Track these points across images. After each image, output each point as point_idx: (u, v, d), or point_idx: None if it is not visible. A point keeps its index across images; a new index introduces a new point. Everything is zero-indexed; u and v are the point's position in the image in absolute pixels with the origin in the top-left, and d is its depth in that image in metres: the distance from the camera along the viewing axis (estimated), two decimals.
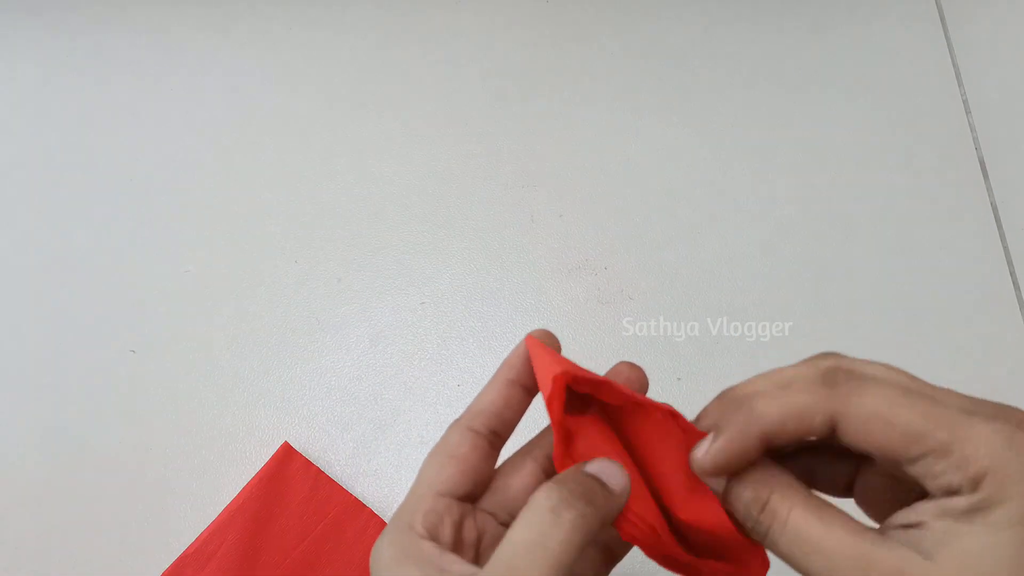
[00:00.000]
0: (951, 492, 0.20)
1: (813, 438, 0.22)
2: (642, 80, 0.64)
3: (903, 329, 0.55)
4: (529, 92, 0.63)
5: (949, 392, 0.21)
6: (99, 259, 0.58)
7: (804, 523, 0.21)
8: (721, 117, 0.62)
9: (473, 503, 0.26)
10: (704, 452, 0.23)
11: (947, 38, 0.65)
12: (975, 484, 0.20)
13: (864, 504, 0.26)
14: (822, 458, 0.26)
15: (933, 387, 0.22)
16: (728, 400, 0.23)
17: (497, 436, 0.26)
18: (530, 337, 0.26)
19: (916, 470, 0.21)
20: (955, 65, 0.64)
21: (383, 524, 0.49)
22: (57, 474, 0.51)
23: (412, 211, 0.59)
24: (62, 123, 0.62)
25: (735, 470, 0.23)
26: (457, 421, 0.26)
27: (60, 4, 0.66)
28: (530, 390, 0.27)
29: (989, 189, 0.60)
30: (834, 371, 0.22)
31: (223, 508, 0.49)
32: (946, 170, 0.60)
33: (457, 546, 0.24)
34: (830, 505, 0.22)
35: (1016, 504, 0.19)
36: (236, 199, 0.60)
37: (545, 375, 0.24)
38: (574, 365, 0.24)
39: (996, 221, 0.59)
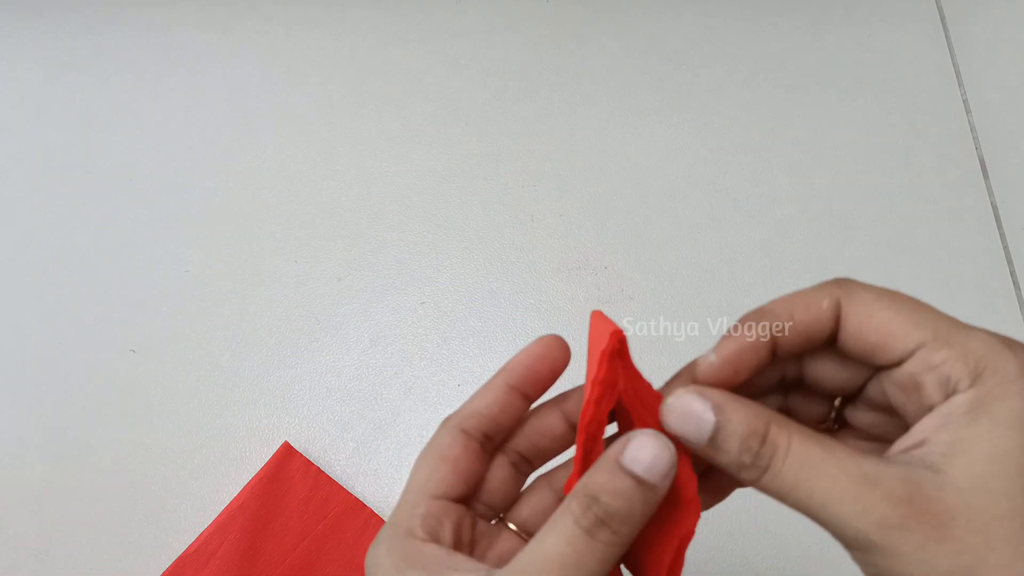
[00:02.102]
0: (950, 388, 0.20)
1: (820, 336, 0.23)
2: (642, 80, 0.64)
3: None
4: (529, 92, 0.63)
5: None
6: (99, 259, 0.58)
7: (805, 449, 0.20)
8: (721, 117, 0.62)
9: (466, 505, 0.25)
10: (714, 354, 0.23)
11: (947, 38, 0.65)
12: (975, 377, 0.20)
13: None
14: (796, 396, 0.26)
15: None
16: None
17: (489, 440, 0.25)
18: (595, 312, 0.26)
19: (913, 365, 0.21)
20: (955, 65, 0.64)
21: (383, 524, 0.49)
22: (57, 474, 0.51)
23: (412, 211, 0.59)
24: (62, 123, 0.62)
25: (736, 374, 0.23)
26: (448, 420, 0.25)
27: (60, 4, 0.66)
28: (529, 398, 0.26)
29: (989, 189, 0.60)
30: (841, 277, 0.23)
31: (223, 508, 0.49)
32: (946, 170, 0.60)
33: (457, 548, 0.24)
34: (823, 435, 0.21)
35: (1017, 400, 0.19)
36: (236, 199, 0.60)
37: (603, 335, 0.23)
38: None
39: (996, 221, 0.59)
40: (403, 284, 0.57)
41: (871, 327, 0.22)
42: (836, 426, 0.26)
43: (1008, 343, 0.20)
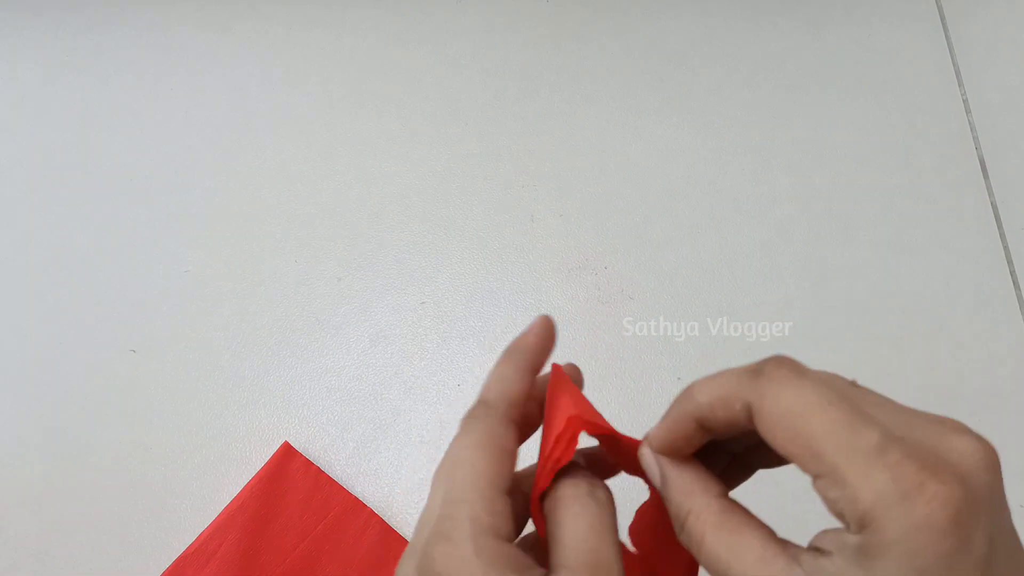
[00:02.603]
0: (844, 521, 0.19)
1: (746, 428, 0.22)
2: (642, 80, 0.64)
3: (903, 329, 0.55)
4: (529, 92, 0.63)
5: (893, 410, 0.20)
6: (99, 259, 0.58)
7: (714, 548, 0.21)
8: (721, 117, 0.62)
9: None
10: (652, 433, 0.24)
11: (947, 38, 0.65)
12: (861, 525, 0.19)
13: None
14: (776, 455, 0.26)
15: (875, 399, 0.20)
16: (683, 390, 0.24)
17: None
18: (556, 367, 0.26)
19: (816, 487, 0.20)
20: (955, 65, 0.64)
21: (383, 524, 0.49)
22: (57, 474, 0.51)
23: (412, 211, 0.59)
24: (62, 123, 0.62)
25: (679, 450, 0.23)
26: (490, 408, 0.24)
27: (60, 4, 0.66)
28: (535, 378, 0.27)
29: (989, 189, 0.60)
30: (767, 362, 0.21)
31: (223, 508, 0.49)
32: (946, 170, 0.60)
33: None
34: (748, 522, 0.21)
35: (895, 563, 0.18)
36: (236, 199, 0.60)
37: (561, 412, 0.23)
38: (591, 410, 0.24)
39: (996, 221, 0.59)
40: (403, 284, 0.57)
41: (775, 442, 0.21)
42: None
43: (909, 489, 0.18)
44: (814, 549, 0.20)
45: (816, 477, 0.20)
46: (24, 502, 0.51)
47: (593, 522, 0.22)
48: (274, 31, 0.66)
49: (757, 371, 0.21)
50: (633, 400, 0.53)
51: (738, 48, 0.65)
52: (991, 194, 0.60)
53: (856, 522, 0.19)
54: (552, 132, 0.62)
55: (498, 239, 0.58)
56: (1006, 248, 0.58)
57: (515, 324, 0.56)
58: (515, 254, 0.58)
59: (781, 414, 0.20)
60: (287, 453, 0.51)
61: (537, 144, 0.61)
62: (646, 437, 0.24)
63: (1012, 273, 0.57)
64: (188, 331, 0.55)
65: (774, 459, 0.25)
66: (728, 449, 0.26)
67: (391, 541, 0.49)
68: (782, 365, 0.21)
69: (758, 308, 0.56)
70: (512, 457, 0.23)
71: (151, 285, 0.57)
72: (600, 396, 0.53)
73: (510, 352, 0.26)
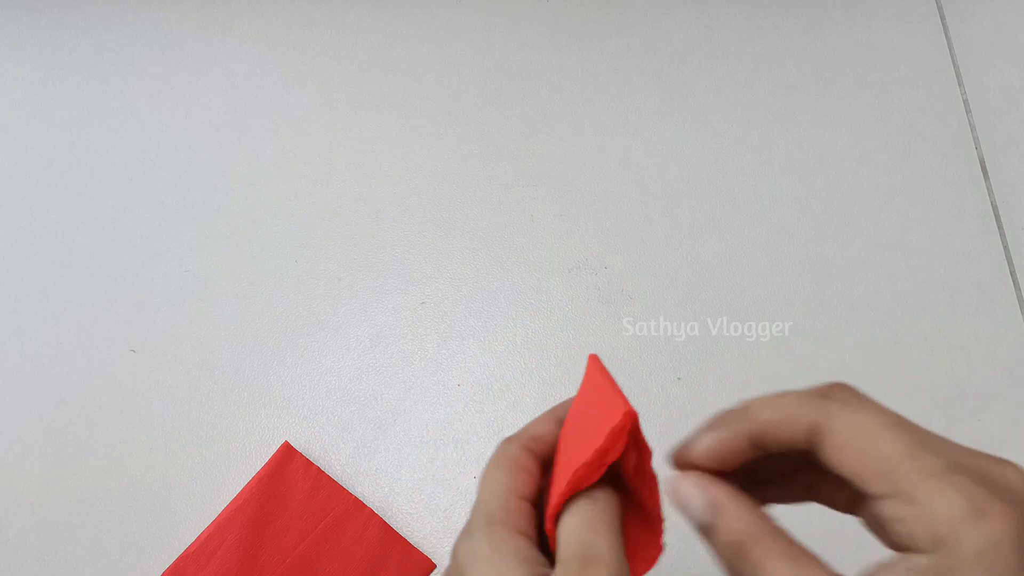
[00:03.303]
0: (911, 544, 0.19)
1: (802, 448, 0.22)
2: (642, 80, 0.64)
3: (903, 329, 0.55)
4: (529, 92, 0.63)
5: (949, 442, 0.21)
6: (99, 259, 0.58)
7: None
8: (721, 117, 0.62)
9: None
10: (697, 444, 0.23)
11: (947, 38, 0.65)
12: (935, 544, 0.19)
13: (871, 528, 0.25)
14: (825, 478, 0.25)
15: (933, 434, 0.21)
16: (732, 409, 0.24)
17: (543, 463, 0.27)
18: (594, 357, 0.26)
19: (882, 509, 0.20)
20: (955, 65, 0.64)
21: (383, 524, 0.49)
22: (57, 474, 0.51)
23: (412, 211, 0.59)
24: (62, 123, 0.62)
25: (723, 464, 0.23)
26: (510, 440, 0.26)
27: (60, 4, 0.66)
28: None
29: (989, 189, 0.60)
30: (833, 387, 0.22)
31: (223, 508, 0.49)
32: (946, 170, 0.60)
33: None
34: (806, 553, 0.21)
35: None
36: (236, 199, 0.60)
37: (609, 404, 0.24)
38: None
39: (996, 221, 0.59)
40: (403, 284, 0.57)
41: (842, 464, 0.21)
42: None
43: (982, 507, 0.19)
44: None
45: (881, 497, 0.20)
46: (24, 502, 0.51)
47: (587, 517, 0.23)
48: (274, 31, 0.66)
49: (824, 394, 0.22)
50: (633, 400, 0.53)
51: (738, 48, 0.65)
52: (991, 194, 0.60)
53: (930, 540, 0.19)
54: (552, 132, 0.62)
55: (498, 239, 0.58)
56: (1006, 248, 0.58)
57: (515, 324, 0.56)
58: (515, 254, 0.58)
59: (851, 435, 0.21)
60: (287, 453, 0.51)
61: (537, 144, 0.61)
62: (687, 449, 0.24)
63: (1012, 273, 0.57)
64: (188, 331, 0.55)
65: (793, 493, 0.26)
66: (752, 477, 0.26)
67: (391, 541, 0.49)
68: (846, 389, 0.22)
69: (758, 308, 0.56)
70: (529, 473, 0.25)
71: (151, 285, 0.57)
72: None
73: (556, 405, 0.27)
